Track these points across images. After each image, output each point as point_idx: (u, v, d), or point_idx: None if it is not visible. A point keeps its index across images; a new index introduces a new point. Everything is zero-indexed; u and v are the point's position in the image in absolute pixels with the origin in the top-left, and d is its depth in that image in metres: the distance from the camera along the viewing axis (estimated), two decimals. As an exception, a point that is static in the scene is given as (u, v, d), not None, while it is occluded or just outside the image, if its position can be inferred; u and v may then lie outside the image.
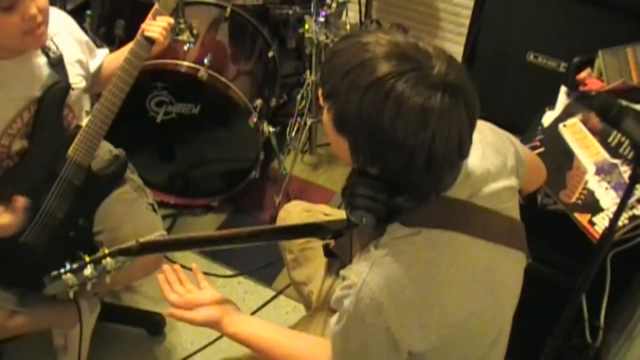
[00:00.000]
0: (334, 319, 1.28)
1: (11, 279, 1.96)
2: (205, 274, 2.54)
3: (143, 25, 1.93)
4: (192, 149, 2.80)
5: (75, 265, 1.47)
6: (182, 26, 2.60)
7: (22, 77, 1.79)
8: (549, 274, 1.86)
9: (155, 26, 1.92)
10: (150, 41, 1.91)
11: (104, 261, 1.48)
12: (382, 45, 1.08)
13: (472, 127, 1.12)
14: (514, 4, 2.48)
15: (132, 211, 2.05)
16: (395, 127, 1.05)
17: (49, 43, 1.82)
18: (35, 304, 2.03)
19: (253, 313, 2.45)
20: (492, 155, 1.29)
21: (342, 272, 1.26)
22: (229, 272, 2.64)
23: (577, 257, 1.72)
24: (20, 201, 1.80)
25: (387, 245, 1.19)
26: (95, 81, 2.06)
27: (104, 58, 2.09)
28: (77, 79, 1.93)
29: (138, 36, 1.92)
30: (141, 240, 1.55)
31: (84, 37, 2.01)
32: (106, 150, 2.11)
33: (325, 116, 1.17)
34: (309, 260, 1.83)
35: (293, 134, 2.93)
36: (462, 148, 1.12)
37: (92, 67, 2.04)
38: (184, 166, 2.84)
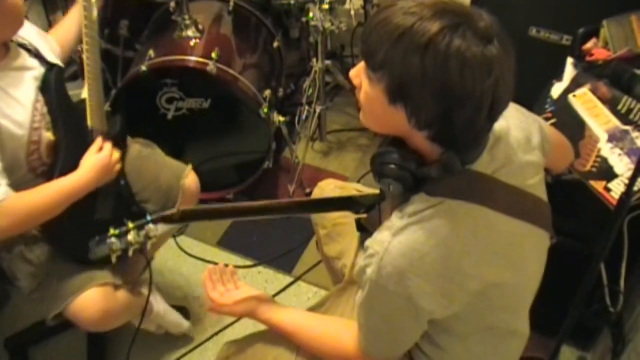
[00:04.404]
0: (359, 291, 1.30)
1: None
2: (225, 265, 2.59)
3: None
4: (205, 144, 2.82)
5: (118, 231, 1.49)
6: (187, 22, 2.62)
7: (17, 73, 1.82)
8: (567, 243, 1.86)
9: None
10: None
11: (147, 227, 1.50)
12: (427, 6, 1.08)
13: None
14: (514, -20, 2.47)
15: (158, 161, 2.21)
16: (464, 77, 1.05)
17: (19, 39, 1.85)
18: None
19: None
20: (515, 131, 1.29)
21: (366, 242, 1.27)
22: (248, 263, 2.66)
23: (594, 224, 1.74)
24: None
25: (409, 214, 1.20)
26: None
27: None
28: (54, 58, 1.93)
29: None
30: (182, 208, 1.59)
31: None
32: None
33: (372, 90, 1.15)
34: (341, 236, 1.84)
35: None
36: (510, 98, 1.15)
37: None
38: (197, 161, 2.79)
